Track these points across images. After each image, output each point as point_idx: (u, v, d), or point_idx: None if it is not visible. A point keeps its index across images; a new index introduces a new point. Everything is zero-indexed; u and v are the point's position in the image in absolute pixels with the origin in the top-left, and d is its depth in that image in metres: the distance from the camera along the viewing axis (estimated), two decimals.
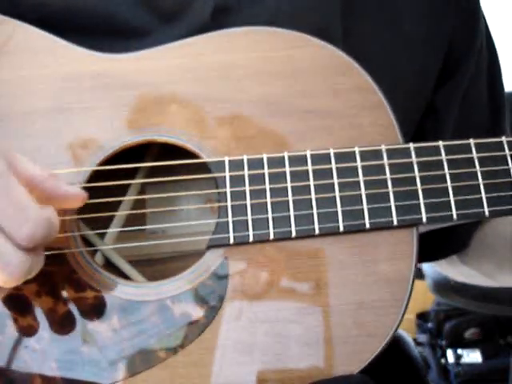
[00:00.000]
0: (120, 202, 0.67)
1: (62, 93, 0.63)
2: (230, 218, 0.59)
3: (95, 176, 0.61)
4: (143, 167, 0.67)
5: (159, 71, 0.63)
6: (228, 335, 0.57)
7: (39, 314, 0.57)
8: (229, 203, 0.59)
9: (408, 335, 0.82)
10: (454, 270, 0.87)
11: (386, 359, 0.78)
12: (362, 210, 0.59)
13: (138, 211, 0.66)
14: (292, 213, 0.59)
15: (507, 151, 0.62)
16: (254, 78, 0.63)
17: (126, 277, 0.66)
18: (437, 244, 0.83)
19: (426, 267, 1.95)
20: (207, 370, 0.56)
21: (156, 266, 0.68)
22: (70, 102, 0.62)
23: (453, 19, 0.76)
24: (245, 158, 0.60)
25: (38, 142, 0.61)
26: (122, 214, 0.64)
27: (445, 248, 0.83)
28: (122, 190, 0.67)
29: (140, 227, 0.66)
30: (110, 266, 0.67)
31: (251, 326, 0.57)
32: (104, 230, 0.64)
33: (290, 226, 0.59)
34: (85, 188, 0.59)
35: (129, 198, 0.62)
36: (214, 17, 0.66)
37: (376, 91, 0.62)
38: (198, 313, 0.58)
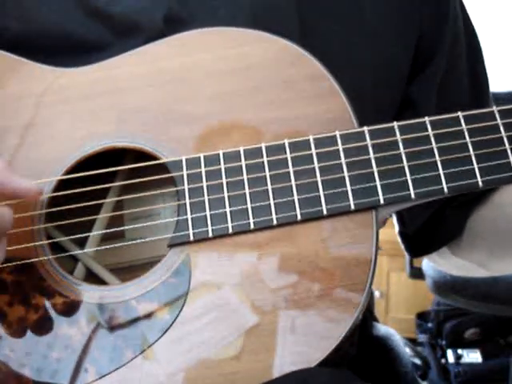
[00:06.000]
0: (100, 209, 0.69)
1: (26, 109, 0.65)
2: (188, 215, 0.60)
3: (66, 185, 0.63)
4: (121, 171, 0.68)
5: (116, 80, 0.65)
6: (193, 332, 0.57)
7: (12, 322, 0.59)
8: (187, 200, 0.60)
9: (397, 334, 0.80)
10: (446, 263, 0.85)
11: (371, 357, 0.76)
12: (319, 196, 0.59)
13: (102, 215, 0.67)
14: (249, 205, 0.59)
15: (499, 120, 0.61)
16: (210, 78, 0.64)
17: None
18: (427, 238, 0.81)
19: (426, 267, 1.91)
20: (172, 367, 0.56)
21: (136, 273, 0.69)
22: (33, 118, 0.65)
23: (420, 7, 0.74)
24: (201, 155, 0.61)
25: (7, 159, 0.63)
26: (90, 218, 0.66)
27: (435, 240, 0.81)
28: (103, 196, 0.68)
29: (103, 231, 0.67)
30: (92, 275, 0.69)
31: (215, 321, 0.57)
32: (75, 236, 0.66)
33: (248, 219, 0.59)
34: (56, 197, 0.62)
35: (90, 203, 0.63)
36: (168, 25, 0.67)
37: (328, 78, 0.62)
38: (162, 311, 0.58)
